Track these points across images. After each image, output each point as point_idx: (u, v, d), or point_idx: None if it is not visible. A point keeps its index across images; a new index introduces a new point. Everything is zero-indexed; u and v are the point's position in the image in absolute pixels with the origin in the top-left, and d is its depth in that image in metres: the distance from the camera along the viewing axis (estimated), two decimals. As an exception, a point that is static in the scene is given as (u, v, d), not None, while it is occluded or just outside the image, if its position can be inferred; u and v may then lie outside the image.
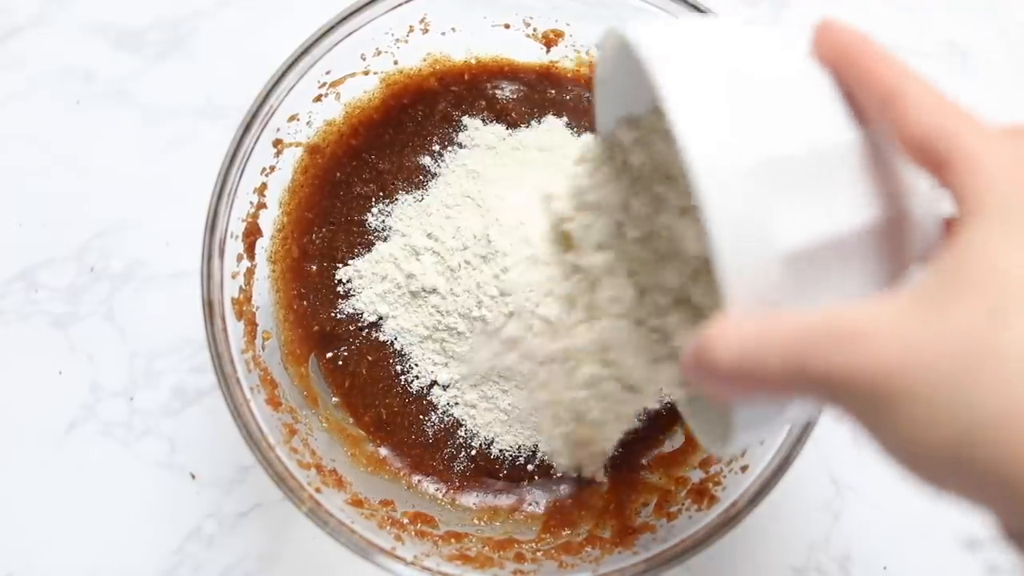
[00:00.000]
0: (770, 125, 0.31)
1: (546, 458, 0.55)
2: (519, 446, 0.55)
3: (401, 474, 0.56)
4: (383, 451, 0.56)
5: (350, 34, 0.53)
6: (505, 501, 0.56)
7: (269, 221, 0.55)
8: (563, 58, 0.59)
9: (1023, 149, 0.30)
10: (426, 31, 0.56)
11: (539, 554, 0.52)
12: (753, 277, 0.29)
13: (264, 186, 0.54)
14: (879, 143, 0.32)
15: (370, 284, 0.56)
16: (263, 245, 0.54)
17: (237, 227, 0.52)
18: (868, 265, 0.32)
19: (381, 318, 0.56)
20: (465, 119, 0.59)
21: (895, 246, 0.32)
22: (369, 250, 0.57)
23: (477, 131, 0.58)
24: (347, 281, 0.57)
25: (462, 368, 0.54)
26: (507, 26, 0.57)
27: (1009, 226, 0.27)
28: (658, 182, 0.42)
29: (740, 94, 0.31)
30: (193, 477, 0.58)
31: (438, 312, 0.54)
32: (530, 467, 0.55)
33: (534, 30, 0.57)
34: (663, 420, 0.56)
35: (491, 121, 0.59)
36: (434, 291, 0.54)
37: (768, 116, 0.31)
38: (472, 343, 0.54)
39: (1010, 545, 0.26)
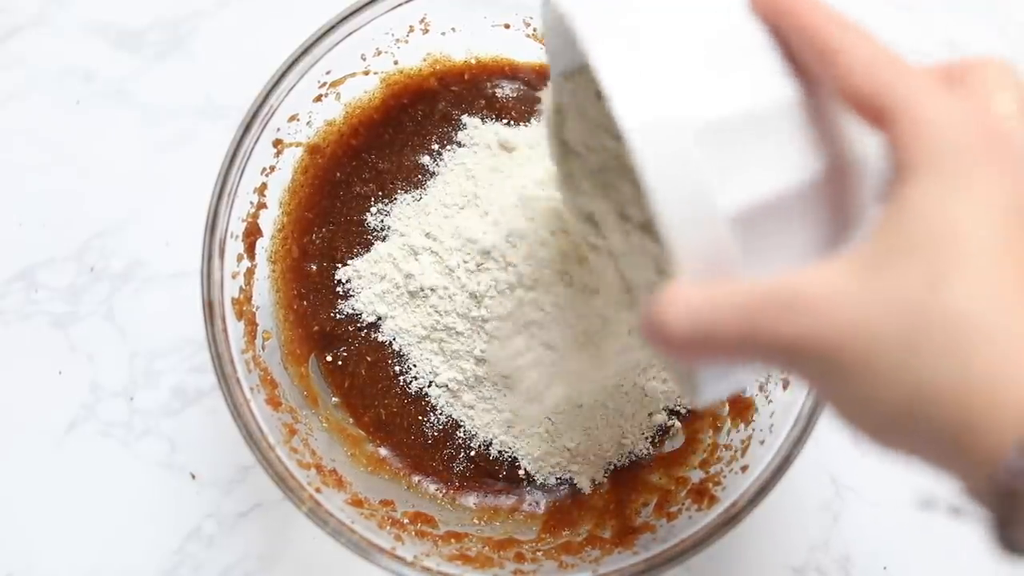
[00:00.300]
0: (706, 85, 0.31)
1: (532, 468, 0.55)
2: (517, 447, 0.55)
3: (401, 474, 0.56)
4: (383, 451, 0.56)
5: (350, 34, 0.53)
6: (505, 501, 0.56)
7: (269, 221, 0.55)
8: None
9: (961, 100, 0.29)
10: (426, 31, 0.56)
11: (539, 554, 0.52)
12: (699, 243, 0.29)
13: (264, 186, 0.54)
14: (820, 96, 0.32)
15: (369, 284, 0.56)
16: (263, 245, 0.54)
17: (237, 227, 0.52)
18: (817, 220, 0.32)
19: (380, 318, 0.56)
20: (464, 118, 0.59)
21: (842, 199, 0.32)
22: (368, 250, 0.57)
23: (476, 130, 0.58)
24: (346, 281, 0.57)
25: (480, 368, 0.54)
26: (507, 26, 0.57)
27: (946, 180, 0.27)
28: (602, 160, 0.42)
29: (674, 55, 0.31)
30: (193, 477, 0.58)
31: (436, 312, 0.54)
32: (527, 469, 0.55)
33: (534, 30, 0.57)
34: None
35: (491, 119, 0.59)
36: (433, 291, 0.54)
37: (704, 76, 0.31)
38: (493, 343, 0.53)
39: (972, 503, 0.26)
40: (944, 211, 0.27)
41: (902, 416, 0.26)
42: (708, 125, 0.30)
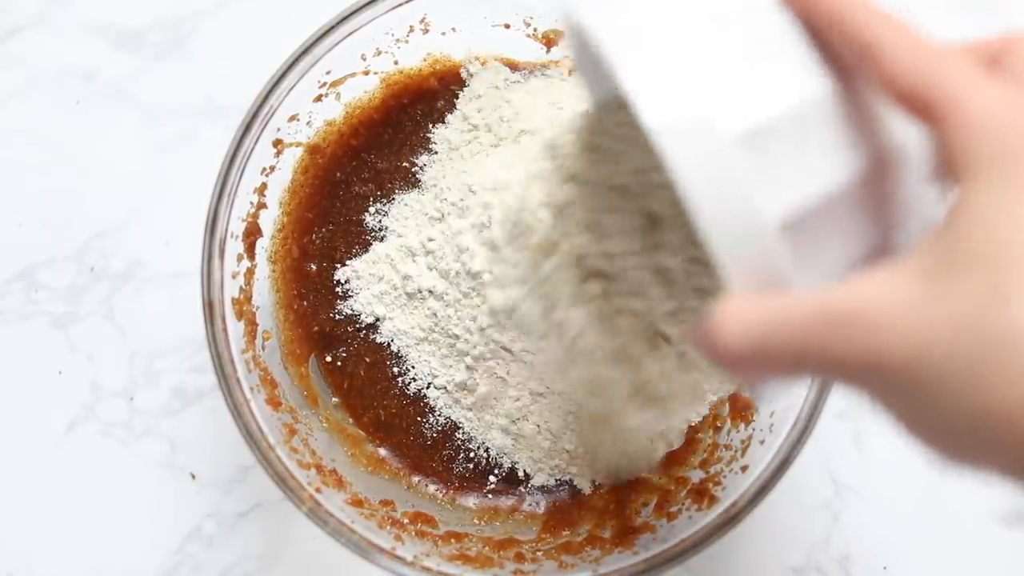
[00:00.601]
0: (740, 91, 0.30)
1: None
2: (516, 449, 0.55)
3: (401, 474, 0.56)
4: (383, 451, 0.56)
5: (350, 34, 0.53)
6: (505, 501, 0.56)
7: (269, 221, 0.55)
8: (563, 58, 0.58)
9: (1010, 88, 0.28)
10: (426, 31, 0.56)
11: (539, 554, 0.52)
12: (750, 256, 0.29)
13: (264, 186, 0.54)
14: (856, 87, 0.31)
15: (367, 285, 0.56)
16: (263, 245, 0.54)
17: (237, 227, 0.52)
18: (864, 218, 0.31)
19: (378, 319, 0.56)
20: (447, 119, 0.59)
21: (887, 193, 0.31)
22: (367, 250, 0.57)
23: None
24: (345, 282, 0.57)
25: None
26: (507, 26, 0.57)
27: (1006, 184, 0.26)
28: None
29: (704, 60, 0.30)
30: (193, 477, 0.58)
31: (434, 315, 0.54)
32: (526, 471, 0.55)
33: (534, 30, 0.57)
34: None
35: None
36: (431, 293, 0.54)
37: (737, 78, 0.30)
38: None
39: None
40: (1005, 219, 0.25)
41: (970, 434, 0.25)
42: (746, 130, 0.29)
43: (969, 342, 0.25)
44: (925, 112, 0.28)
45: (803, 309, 0.28)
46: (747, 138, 0.29)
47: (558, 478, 0.55)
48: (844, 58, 0.30)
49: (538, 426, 0.54)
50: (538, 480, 0.55)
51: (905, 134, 0.31)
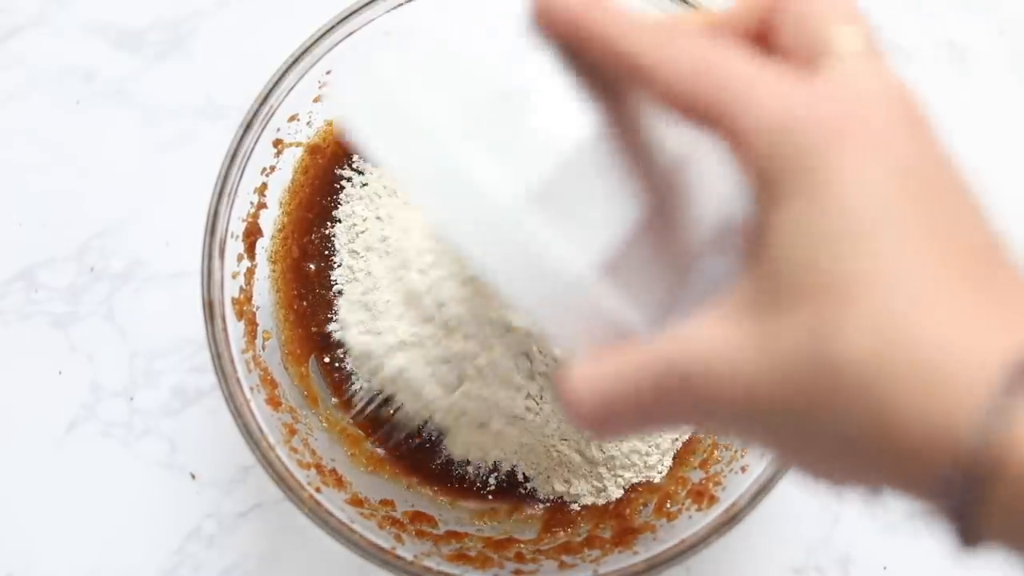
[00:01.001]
0: (510, 149, 0.27)
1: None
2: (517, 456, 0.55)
3: (401, 474, 0.56)
4: (382, 451, 0.56)
5: (350, 34, 0.52)
6: (505, 502, 0.56)
7: (269, 221, 0.55)
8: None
9: (796, 84, 0.25)
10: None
11: (539, 554, 0.52)
12: (572, 313, 0.27)
13: (264, 186, 0.54)
14: (636, 107, 0.29)
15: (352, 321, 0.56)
16: (263, 245, 0.54)
17: (237, 227, 0.52)
18: (674, 239, 0.29)
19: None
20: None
21: (687, 210, 0.29)
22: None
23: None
24: (345, 282, 0.57)
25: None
26: (507, 26, 0.57)
27: (807, 201, 0.23)
28: None
29: (469, 127, 0.27)
30: (193, 477, 0.58)
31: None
32: (526, 473, 0.55)
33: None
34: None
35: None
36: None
37: (504, 140, 0.27)
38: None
39: (930, 517, 0.25)
40: (814, 241, 0.23)
41: (839, 459, 0.24)
42: (529, 189, 0.27)
43: (808, 379, 0.23)
44: (711, 123, 0.26)
45: (637, 364, 0.26)
46: (528, 197, 0.27)
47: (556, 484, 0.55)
48: (615, 79, 0.28)
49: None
50: (538, 484, 0.55)
51: (693, 142, 0.29)
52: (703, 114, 0.26)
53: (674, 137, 0.29)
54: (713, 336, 0.25)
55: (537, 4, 0.28)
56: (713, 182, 0.30)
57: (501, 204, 0.27)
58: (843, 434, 0.23)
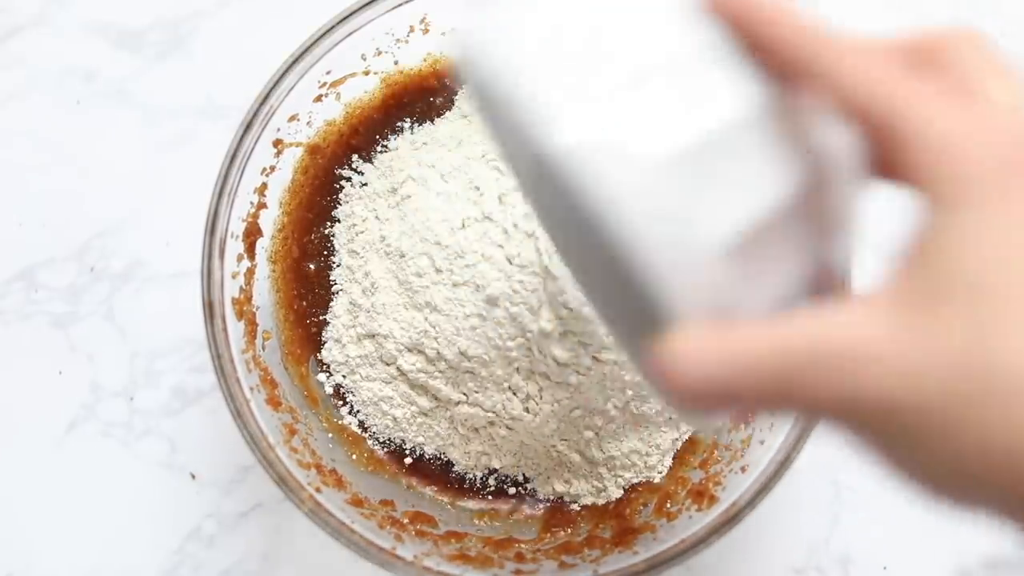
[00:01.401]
0: (664, 110, 0.27)
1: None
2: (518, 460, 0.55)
3: (400, 474, 0.56)
4: (382, 452, 0.56)
5: (350, 34, 0.52)
6: (505, 502, 0.56)
7: (269, 221, 0.55)
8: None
9: (970, 107, 0.26)
10: (426, 31, 0.56)
11: (539, 554, 0.52)
12: (693, 284, 0.27)
13: (264, 186, 0.54)
14: (789, 98, 0.29)
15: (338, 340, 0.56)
16: (263, 245, 0.54)
17: (237, 227, 0.52)
18: (803, 235, 0.29)
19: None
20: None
21: (823, 207, 0.30)
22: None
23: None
24: (344, 282, 0.57)
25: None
26: (507, 26, 0.57)
27: (983, 212, 0.25)
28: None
29: (623, 82, 0.27)
30: (193, 477, 0.58)
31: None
32: (526, 475, 0.55)
33: (534, 30, 0.57)
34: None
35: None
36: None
37: (660, 100, 0.27)
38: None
39: None
40: (984, 249, 0.24)
41: (965, 476, 0.24)
42: (676, 150, 0.27)
43: (962, 381, 0.24)
44: (883, 139, 0.27)
45: (773, 344, 0.26)
46: (678, 159, 0.27)
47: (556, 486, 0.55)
48: (780, 71, 0.29)
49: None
50: (538, 484, 0.55)
51: (838, 141, 0.29)
52: (877, 122, 0.27)
53: (826, 129, 0.29)
54: (865, 324, 0.25)
55: None
56: (850, 181, 0.30)
57: (642, 157, 0.27)
58: (981, 444, 0.24)
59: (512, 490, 0.55)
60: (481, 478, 0.55)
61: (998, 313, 0.24)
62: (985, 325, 0.24)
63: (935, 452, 0.25)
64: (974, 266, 0.24)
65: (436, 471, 0.56)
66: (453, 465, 0.56)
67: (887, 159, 0.27)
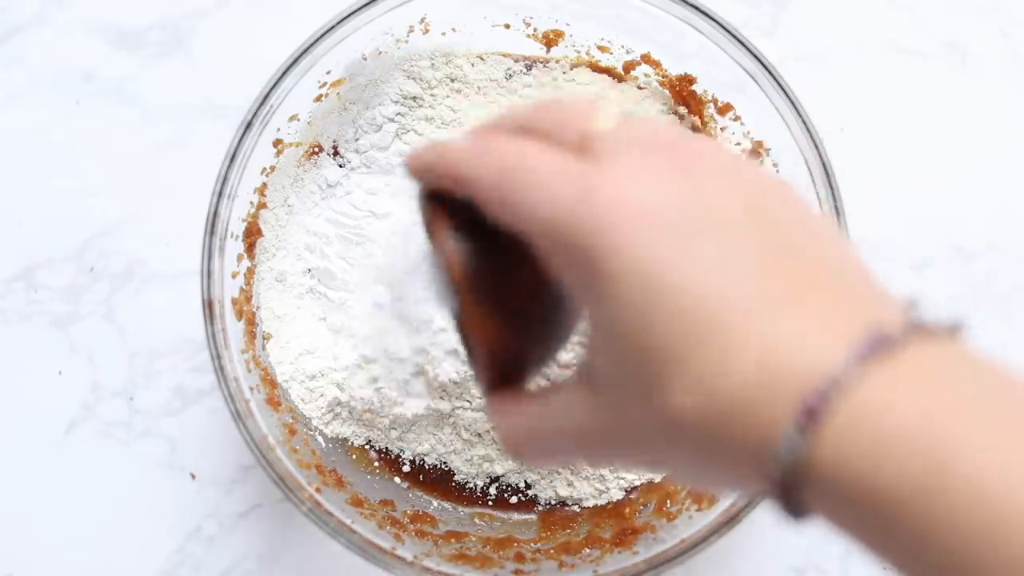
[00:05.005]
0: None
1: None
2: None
3: (400, 477, 0.56)
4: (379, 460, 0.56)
5: (350, 34, 0.52)
6: (505, 502, 0.55)
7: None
8: (563, 58, 0.58)
9: (573, 182, 0.28)
10: (426, 31, 0.56)
11: (539, 554, 0.52)
12: None
13: (264, 186, 0.54)
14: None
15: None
16: (263, 245, 0.54)
17: (237, 227, 0.52)
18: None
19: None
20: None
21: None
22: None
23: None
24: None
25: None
26: (507, 26, 0.57)
27: (596, 293, 0.27)
28: None
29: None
30: (193, 477, 0.58)
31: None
32: (527, 480, 0.55)
33: (534, 30, 0.57)
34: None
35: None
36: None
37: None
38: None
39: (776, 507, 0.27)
40: (618, 330, 0.27)
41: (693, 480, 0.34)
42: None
43: (656, 435, 0.28)
44: (517, 224, 0.29)
45: (537, 416, 0.32)
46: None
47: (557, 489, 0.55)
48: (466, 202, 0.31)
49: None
50: (540, 489, 0.55)
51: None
52: (510, 217, 0.29)
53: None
54: (567, 398, 0.30)
55: (407, 162, 0.34)
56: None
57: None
58: (693, 467, 0.28)
59: (514, 499, 0.55)
60: (482, 487, 0.55)
61: (660, 379, 0.27)
62: (654, 392, 0.27)
63: (664, 470, 0.36)
64: (621, 350, 0.28)
65: (436, 478, 0.55)
66: (454, 474, 0.55)
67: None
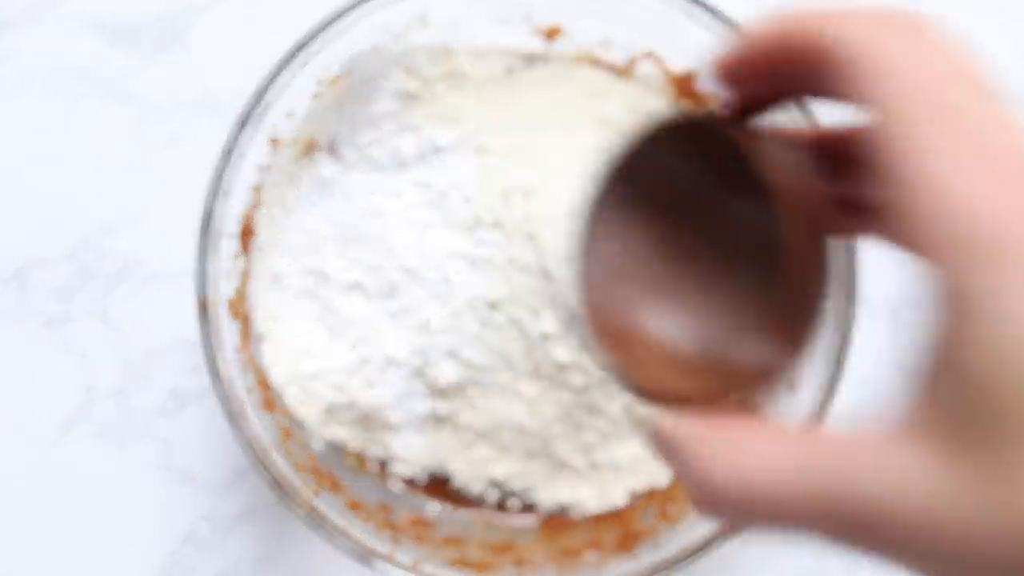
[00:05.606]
0: None
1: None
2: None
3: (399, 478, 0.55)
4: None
5: (348, 30, 0.52)
6: (505, 506, 0.55)
7: (265, 220, 0.54)
8: (564, 54, 0.58)
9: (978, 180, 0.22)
10: (425, 27, 0.55)
11: (539, 559, 0.52)
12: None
13: (261, 184, 0.53)
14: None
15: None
16: (259, 244, 0.54)
17: (233, 226, 0.51)
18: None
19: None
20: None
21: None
22: (367, 249, 0.56)
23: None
24: (344, 281, 0.56)
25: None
26: (507, 22, 0.56)
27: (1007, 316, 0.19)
28: None
29: None
30: (189, 480, 0.57)
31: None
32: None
33: (534, 26, 0.57)
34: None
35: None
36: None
37: None
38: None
39: None
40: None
41: None
42: None
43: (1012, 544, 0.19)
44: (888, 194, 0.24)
45: (791, 461, 0.23)
46: None
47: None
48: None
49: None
50: (541, 493, 0.55)
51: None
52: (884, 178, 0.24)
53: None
54: (898, 465, 0.21)
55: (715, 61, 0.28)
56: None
57: None
58: None
59: (514, 504, 0.54)
60: (482, 491, 0.55)
61: None
62: None
63: None
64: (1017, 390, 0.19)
65: (434, 482, 0.55)
66: (453, 477, 0.55)
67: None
